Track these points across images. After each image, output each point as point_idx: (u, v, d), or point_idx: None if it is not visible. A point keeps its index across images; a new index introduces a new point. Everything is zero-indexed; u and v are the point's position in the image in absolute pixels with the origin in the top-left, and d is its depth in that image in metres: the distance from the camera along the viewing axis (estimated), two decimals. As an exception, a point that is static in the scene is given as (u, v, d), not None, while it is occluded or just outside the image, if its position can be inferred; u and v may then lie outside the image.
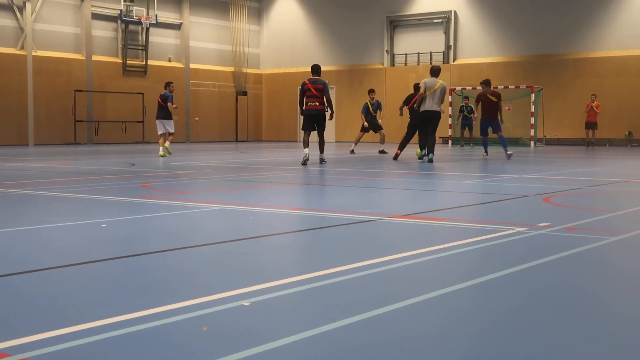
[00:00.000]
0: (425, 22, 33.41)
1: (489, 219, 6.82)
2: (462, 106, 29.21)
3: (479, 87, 29.85)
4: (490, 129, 18.39)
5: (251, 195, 9.20)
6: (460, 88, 30.65)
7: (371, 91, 22.53)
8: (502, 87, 29.56)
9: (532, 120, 28.06)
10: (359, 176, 12.58)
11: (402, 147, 18.09)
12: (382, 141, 23.29)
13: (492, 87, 19.09)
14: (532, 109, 28.03)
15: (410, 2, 33.73)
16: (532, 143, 27.64)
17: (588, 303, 3.68)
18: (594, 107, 27.36)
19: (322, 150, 15.89)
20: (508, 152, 18.13)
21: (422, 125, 17.16)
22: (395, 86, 33.71)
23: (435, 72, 16.96)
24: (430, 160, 16.06)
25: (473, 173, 13.53)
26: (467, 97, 29.37)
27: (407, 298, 3.63)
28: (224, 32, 36.30)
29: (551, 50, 30.35)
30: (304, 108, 15.68)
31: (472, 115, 28.75)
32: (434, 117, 16.64)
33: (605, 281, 4.21)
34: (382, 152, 22.10)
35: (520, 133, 29.20)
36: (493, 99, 18.47)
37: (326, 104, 15.66)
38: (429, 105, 16.62)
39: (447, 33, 32.78)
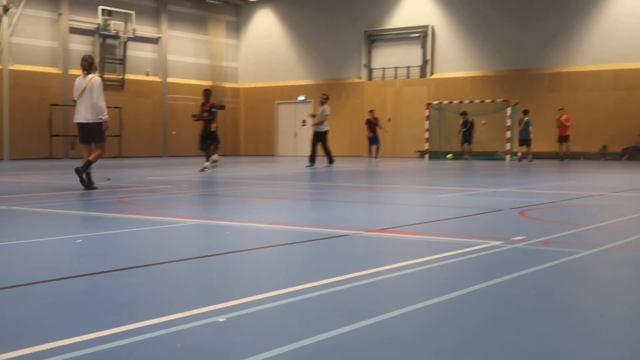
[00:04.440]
0: (402, 36, 33.63)
1: (465, 232, 6.85)
2: (464, 120, 29.38)
3: (456, 101, 30.17)
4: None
5: (228, 210, 9.16)
6: (437, 102, 30.84)
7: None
8: (478, 101, 29.83)
9: (508, 134, 28.29)
10: (337, 190, 12.57)
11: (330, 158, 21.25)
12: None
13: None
14: (508, 123, 28.27)
15: (388, 17, 33.95)
16: (507, 157, 27.84)
17: (562, 317, 3.69)
18: (563, 121, 27.61)
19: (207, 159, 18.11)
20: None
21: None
22: (372, 100, 33.85)
23: None
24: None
25: (449, 187, 13.58)
26: (464, 113, 29.49)
27: (382, 313, 3.63)
28: (202, 46, 36.29)
29: (527, 65, 30.65)
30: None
31: (464, 128, 29.13)
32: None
33: (579, 295, 4.24)
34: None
35: (497, 147, 29.44)
36: (374, 121, 24.35)
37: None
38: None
39: (424, 47, 33.01)
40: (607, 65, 29.07)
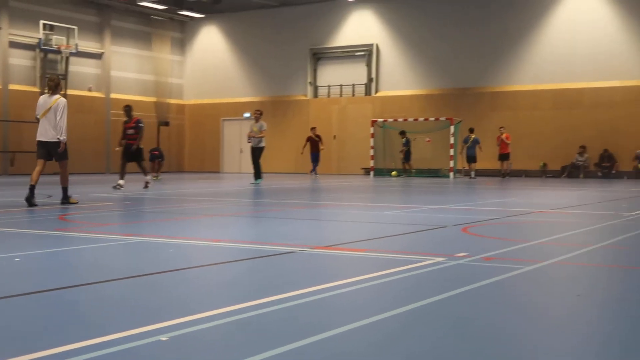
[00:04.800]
0: (348, 54, 33.89)
1: (409, 249, 6.90)
2: (405, 139, 29.82)
3: (401, 119, 30.49)
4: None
5: (172, 227, 9.06)
6: (381, 120, 31.12)
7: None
8: (422, 119, 30.19)
9: (452, 151, 28.69)
10: (281, 207, 12.56)
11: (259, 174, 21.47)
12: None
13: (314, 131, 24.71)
14: (452, 141, 28.68)
15: (333, 35, 34.19)
16: (451, 174, 28.21)
17: (505, 332, 3.74)
18: (504, 139, 28.19)
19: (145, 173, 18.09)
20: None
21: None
22: (318, 117, 33.97)
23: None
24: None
25: (394, 204, 13.69)
26: (403, 132, 29.89)
27: (328, 329, 3.62)
28: (146, 62, 35.97)
29: (469, 84, 31.17)
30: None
31: (405, 147, 29.54)
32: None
33: (521, 310, 4.30)
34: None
35: (440, 164, 29.81)
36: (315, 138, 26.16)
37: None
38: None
39: (369, 66, 33.31)
40: (546, 85, 29.77)
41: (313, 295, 4.49)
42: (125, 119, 18.12)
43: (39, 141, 12.19)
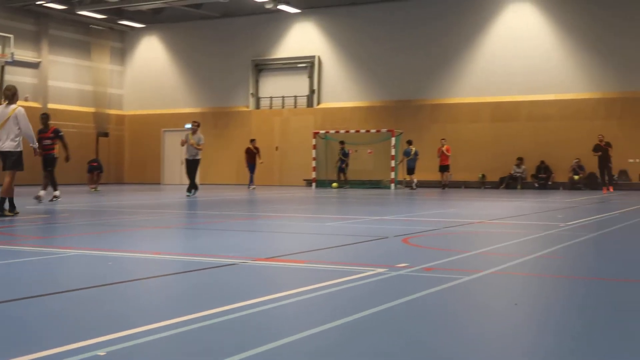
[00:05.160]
0: (290, 66, 33.94)
1: (350, 260, 6.92)
2: (341, 149, 29.91)
3: (342, 130, 30.66)
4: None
5: (110, 240, 8.92)
6: (323, 131, 31.24)
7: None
8: (364, 130, 30.41)
9: (392, 163, 28.95)
10: (223, 219, 12.48)
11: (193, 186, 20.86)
12: None
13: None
14: (393, 152, 28.95)
15: (275, 46, 34.21)
16: (392, 185, 28.45)
17: (445, 341, 3.78)
18: (444, 151, 28.57)
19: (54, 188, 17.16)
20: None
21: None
22: (260, 129, 33.91)
23: None
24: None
25: (336, 215, 13.74)
26: (342, 142, 30.05)
27: (270, 342, 3.60)
28: (85, 72, 35.41)
29: (410, 96, 31.52)
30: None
31: (346, 158, 29.70)
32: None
33: (461, 319, 4.35)
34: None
35: (381, 175, 30.03)
36: (254, 150, 27.58)
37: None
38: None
39: (311, 77, 33.41)
40: (485, 98, 30.30)
41: (255, 308, 4.47)
42: (41, 127, 17.40)
43: (0, 152, 12.10)
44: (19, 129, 11.97)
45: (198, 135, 20.79)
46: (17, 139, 12.01)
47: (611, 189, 25.23)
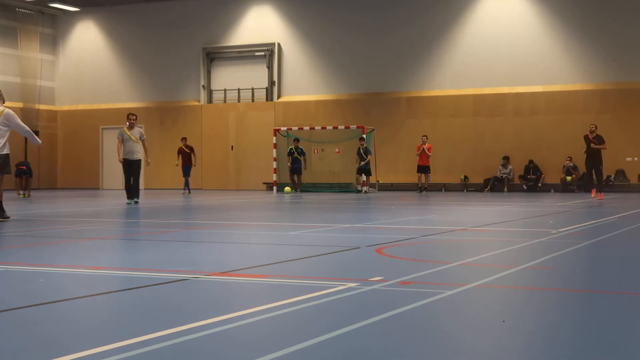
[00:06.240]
0: (246, 55, 33.88)
1: (318, 274, 6.91)
2: (291, 148, 29.71)
3: (306, 127, 30.68)
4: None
5: (42, 254, 8.82)
6: (285, 128, 31.21)
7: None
8: (331, 127, 30.44)
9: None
10: (172, 228, 12.41)
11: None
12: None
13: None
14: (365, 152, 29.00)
15: (229, 33, 34.11)
16: (364, 189, 28.51)
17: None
18: (425, 150, 28.62)
19: None
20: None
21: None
22: (213, 125, 33.79)
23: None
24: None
25: (300, 223, 13.72)
26: (297, 139, 29.96)
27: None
28: (11, 62, 34.98)
29: (383, 88, 31.64)
30: None
31: (303, 157, 29.47)
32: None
33: (442, 340, 4.37)
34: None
35: (352, 178, 30.08)
36: (187, 150, 27.58)
37: None
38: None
39: (270, 67, 33.38)
40: (466, 90, 30.52)
41: (208, 330, 4.44)
42: None
43: None
44: (7, 130, 12.51)
45: (139, 129, 20.22)
46: (2, 140, 12.48)
47: (600, 196, 21.99)
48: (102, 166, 36.37)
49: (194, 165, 28.47)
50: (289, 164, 29.87)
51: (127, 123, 20.21)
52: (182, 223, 13.72)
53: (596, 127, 22.61)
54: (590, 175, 23.02)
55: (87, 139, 36.38)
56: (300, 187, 29.52)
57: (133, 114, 20.62)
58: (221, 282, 6.43)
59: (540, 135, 29.45)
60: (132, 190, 19.91)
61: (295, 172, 29.71)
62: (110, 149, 35.99)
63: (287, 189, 28.53)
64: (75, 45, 36.87)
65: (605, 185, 26.96)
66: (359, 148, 28.38)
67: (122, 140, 19.94)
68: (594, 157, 22.20)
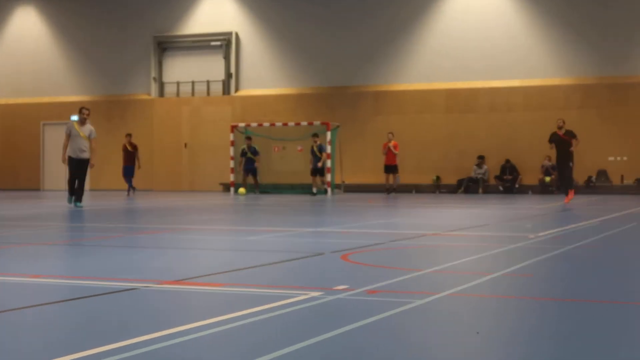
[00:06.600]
0: (201, 45, 33.73)
1: (278, 282, 6.91)
2: (243, 148, 29.46)
3: (267, 123, 30.62)
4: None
5: (-23, 261, 8.71)
6: (243, 124, 31.13)
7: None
8: (292, 123, 30.40)
9: (329, 162, 29.02)
10: (120, 233, 12.33)
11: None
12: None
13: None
14: (328, 150, 29.02)
15: (182, 21, 33.94)
16: (328, 189, 28.53)
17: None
18: (392, 148, 28.64)
19: None
20: None
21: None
22: (165, 120, 33.61)
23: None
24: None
25: (260, 227, 13.70)
26: (249, 137, 29.76)
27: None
28: (-57, 51, 34.52)
29: (348, 82, 31.69)
30: None
31: (257, 156, 29.31)
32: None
33: (412, 354, 4.38)
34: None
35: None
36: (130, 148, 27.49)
37: None
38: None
39: (227, 59, 33.29)
40: (438, 84, 30.66)
41: (159, 343, 4.42)
42: None
43: None
44: None
45: (89, 127, 19.33)
46: None
47: (569, 197, 20.79)
48: (42, 165, 35.99)
49: (139, 167, 28.00)
50: (233, 164, 29.56)
51: (77, 117, 19.41)
52: (130, 227, 13.62)
53: (564, 122, 21.14)
54: (561, 178, 21.93)
55: (25, 136, 35.97)
56: (258, 188, 29.35)
57: (86, 108, 19.71)
58: (173, 291, 6.40)
59: (517, 133, 29.65)
60: (76, 192, 19.13)
61: (250, 173, 29.34)
62: (52, 146, 35.64)
63: (242, 190, 28.30)
64: (13, 32, 36.46)
65: (585, 187, 27.30)
66: (312, 146, 28.23)
67: (70, 136, 19.10)
68: (563, 154, 20.95)
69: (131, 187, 27.67)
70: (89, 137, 19.15)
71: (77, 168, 19.21)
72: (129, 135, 28.47)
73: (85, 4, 35.20)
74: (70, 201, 19.17)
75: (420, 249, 9.95)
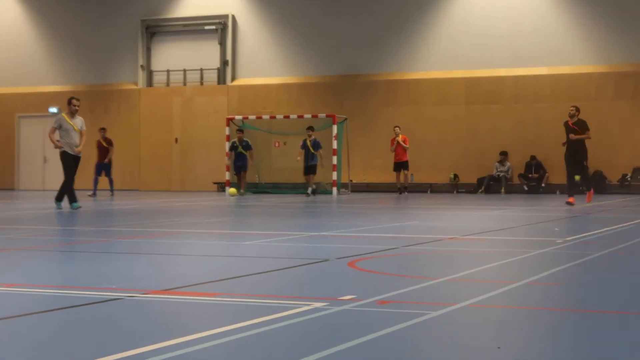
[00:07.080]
0: (194, 28, 33.76)
1: (278, 292, 6.90)
2: (234, 142, 29.13)
3: (266, 116, 30.60)
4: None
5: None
6: (240, 117, 31.11)
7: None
8: (295, 116, 30.36)
9: (335, 159, 28.99)
10: (104, 237, 12.33)
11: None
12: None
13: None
14: (335, 145, 28.98)
15: (173, 1, 33.94)
16: (334, 189, 28.51)
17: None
18: (401, 142, 28.56)
19: None
20: None
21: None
22: (154, 112, 33.65)
23: None
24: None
25: (258, 231, 13.69)
26: (241, 130, 29.45)
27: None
28: None
29: (357, 70, 31.65)
30: None
31: (249, 151, 29.17)
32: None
33: (425, 370, 4.37)
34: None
35: (320, 177, 30.05)
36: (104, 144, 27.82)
37: None
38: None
39: (223, 44, 33.30)
40: (456, 72, 30.60)
41: (146, 358, 4.41)
42: None
43: None
44: None
45: (80, 119, 19.16)
46: None
47: (588, 198, 20.82)
48: (18, 162, 36.02)
49: (107, 160, 27.73)
50: (227, 160, 29.36)
51: (68, 109, 19.09)
52: (114, 231, 13.62)
53: (577, 110, 20.55)
54: (571, 174, 21.08)
55: (1, 130, 36.04)
56: (244, 187, 28.81)
57: (77, 99, 19.51)
58: (161, 301, 6.39)
59: (545, 127, 29.57)
60: (60, 192, 18.97)
61: (240, 170, 28.99)
62: (28, 141, 35.70)
63: (232, 190, 27.91)
64: (-13, 16, 36.55)
65: (619, 186, 27.22)
66: (305, 140, 28.05)
67: (60, 129, 18.84)
68: (573, 149, 20.40)
69: (111, 188, 27.57)
70: (80, 130, 18.98)
71: (74, 165, 18.98)
72: (103, 129, 28.28)
73: (65, -16, 35.24)
74: (72, 205, 18.68)
75: (435, 255, 9.93)
